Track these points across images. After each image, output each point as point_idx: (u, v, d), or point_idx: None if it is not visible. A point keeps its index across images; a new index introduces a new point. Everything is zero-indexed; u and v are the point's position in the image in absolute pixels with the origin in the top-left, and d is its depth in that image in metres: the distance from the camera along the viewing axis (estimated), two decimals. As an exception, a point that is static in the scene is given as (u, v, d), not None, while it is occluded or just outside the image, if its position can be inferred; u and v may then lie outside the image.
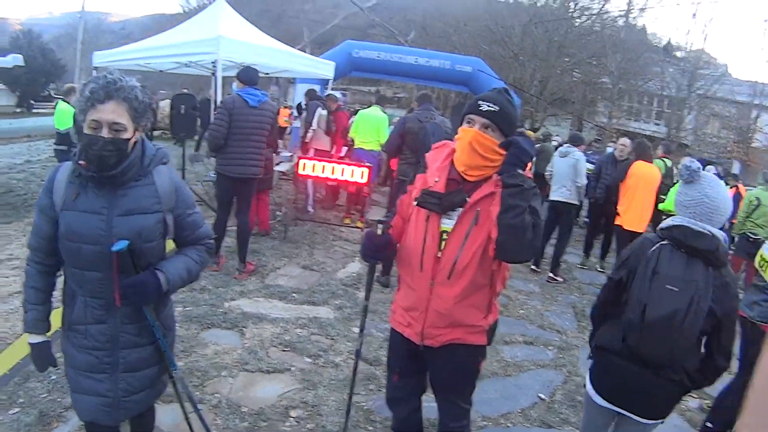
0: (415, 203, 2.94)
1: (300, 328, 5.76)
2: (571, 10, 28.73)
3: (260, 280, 7.05)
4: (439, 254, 2.86)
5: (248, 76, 7.04)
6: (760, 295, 4.38)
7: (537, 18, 26.68)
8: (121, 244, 2.42)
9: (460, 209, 2.81)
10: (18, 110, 44.13)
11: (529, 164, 2.82)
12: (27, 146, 21.15)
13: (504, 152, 2.73)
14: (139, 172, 2.55)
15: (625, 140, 10.06)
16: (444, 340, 2.93)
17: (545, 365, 5.74)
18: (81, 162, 2.42)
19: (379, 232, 2.99)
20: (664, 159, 11.10)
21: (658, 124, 31.91)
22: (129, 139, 2.44)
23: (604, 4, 29.93)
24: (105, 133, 2.37)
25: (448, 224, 2.85)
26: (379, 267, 7.01)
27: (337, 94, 12.95)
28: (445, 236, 2.85)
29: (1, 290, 6.24)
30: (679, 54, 32.04)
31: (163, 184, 2.62)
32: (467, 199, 2.80)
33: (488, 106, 2.76)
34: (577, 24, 29.39)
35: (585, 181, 8.74)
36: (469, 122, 2.80)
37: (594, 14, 29.67)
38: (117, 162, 2.43)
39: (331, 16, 44.67)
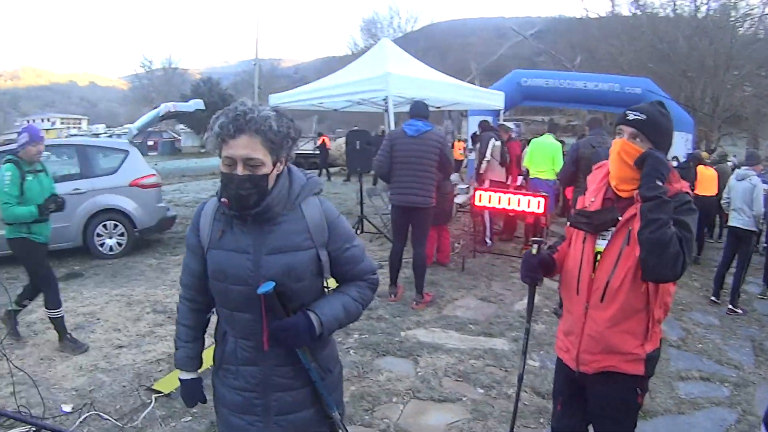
0: (568, 224, 2.98)
1: (475, 359, 5.85)
2: (732, 18, 27.13)
3: (437, 310, 7.25)
4: (593, 276, 2.81)
5: (415, 109, 7.39)
6: None
7: (700, 30, 25.61)
8: (267, 286, 2.24)
9: (613, 228, 2.75)
10: (203, 150, 47.44)
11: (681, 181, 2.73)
12: (212, 182, 23.04)
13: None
14: (286, 206, 2.36)
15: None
16: (598, 367, 2.83)
17: (720, 403, 5.51)
18: (223, 200, 2.30)
19: (534, 251, 3.03)
20: None
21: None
22: (268, 175, 2.25)
23: (764, 8, 28.06)
24: (240, 170, 2.21)
25: (601, 244, 2.80)
26: (557, 299, 7.05)
27: (510, 124, 13.03)
28: (599, 257, 2.80)
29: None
30: None
31: (314, 218, 2.41)
32: (619, 217, 2.74)
33: (635, 115, 2.72)
34: (740, 32, 27.75)
35: (761, 209, 8.36)
36: (618, 133, 2.76)
37: (755, 18, 27.90)
38: (258, 199, 2.26)
39: (496, 47, 44.59)
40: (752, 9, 27.85)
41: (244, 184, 2.21)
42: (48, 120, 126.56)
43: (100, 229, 10.23)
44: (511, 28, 41.30)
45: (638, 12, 31.17)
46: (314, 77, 18.61)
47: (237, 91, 60.69)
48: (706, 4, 27.89)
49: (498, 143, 10.27)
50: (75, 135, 73.50)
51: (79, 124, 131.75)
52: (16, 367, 5.05)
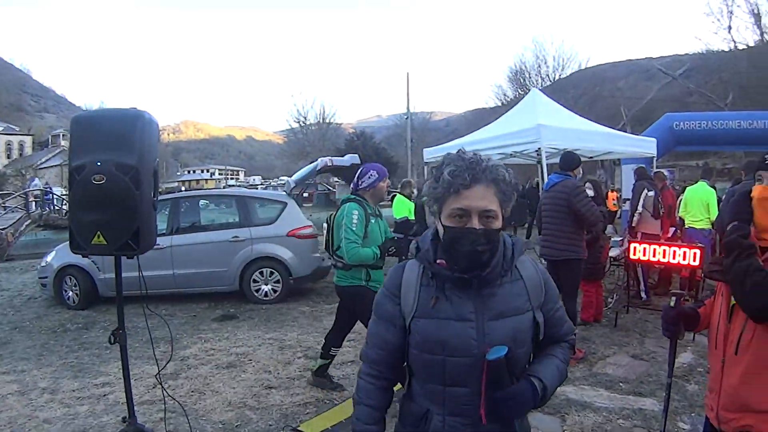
0: (702, 275, 2.86)
1: (623, 419, 5.66)
2: None
3: (588, 367, 7.07)
4: (729, 327, 2.64)
5: (561, 161, 7.50)
6: None
7: None
8: (498, 352, 2.05)
9: None
10: (357, 202, 48.95)
11: None
12: None
13: None
14: (504, 265, 2.18)
15: None
16: (736, 426, 2.60)
17: None
18: (440, 261, 2.14)
19: (671, 304, 2.93)
20: None
21: None
22: (500, 230, 2.13)
23: None
24: (476, 223, 2.04)
25: None
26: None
27: (665, 172, 12.64)
28: (734, 308, 2.60)
29: (337, 358, 6.97)
30: None
31: (531, 278, 2.26)
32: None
33: None
34: None
35: None
36: (758, 179, 2.62)
37: None
38: (490, 258, 2.10)
39: (646, 90, 43.51)
40: None
41: (480, 240, 2.06)
42: (207, 171, 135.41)
43: (256, 275, 10.84)
44: (659, 69, 40.10)
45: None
46: (465, 129, 18.90)
47: (390, 145, 62.33)
48: None
49: (651, 194, 9.92)
50: (233, 185, 77.51)
51: (237, 175, 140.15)
52: (169, 396, 5.36)
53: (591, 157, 13.10)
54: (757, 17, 33.37)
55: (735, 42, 34.92)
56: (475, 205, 2.04)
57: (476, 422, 2.15)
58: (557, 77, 55.60)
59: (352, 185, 5.87)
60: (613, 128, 16.11)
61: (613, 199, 20.68)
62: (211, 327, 9.14)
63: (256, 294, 10.82)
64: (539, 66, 56.47)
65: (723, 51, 36.37)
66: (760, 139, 18.17)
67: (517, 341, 2.15)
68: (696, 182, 11.55)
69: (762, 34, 33.18)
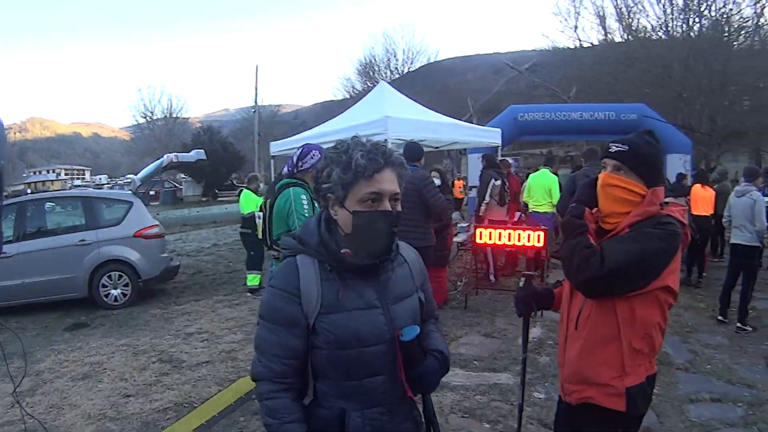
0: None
1: (480, 395, 5.84)
2: (726, 34, 27.18)
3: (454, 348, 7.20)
4: (571, 303, 2.82)
5: (405, 152, 7.60)
6: None
7: (693, 50, 25.63)
8: (411, 332, 2.09)
9: None
10: (204, 199, 47.90)
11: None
12: (214, 231, 23.48)
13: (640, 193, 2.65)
14: (395, 251, 2.24)
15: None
16: (577, 398, 2.76)
17: (734, 424, 5.40)
18: (345, 251, 2.12)
19: (521, 284, 3.06)
20: None
21: None
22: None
23: (758, 20, 28.09)
24: (388, 206, 2.08)
25: None
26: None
27: (510, 160, 13.06)
28: None
29: (192, 360, 7.07)
30: None
31: (413, 261, 2.36)
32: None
33: (617, 147, 2.69)
34: (735, 47, 27.79)
35: (764, 224, 8.23)
36: (603, 167, 2.74)
37: (750, 30, 27.89)
38: (393, 241, 2.17)
39: (492, 83, 44.92)
40: (746, 21, 27.97)
41: (395, 221, 2.11)
42: (53, 171, 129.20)
43: (105, 279, 10.41)
44: (506, 64, 41.59)
45: (630, 38, 31.37)
46: (314, 122, 18.83)
47: (237, 139, 61.29)
48: (698, 23, 28.02)
49: (498, 183, 10.25)
50: (79, 186, 74.12)
51: (83, 174, 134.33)
52: (28, 414, 5.16)
53: (437, 147, 13.40)
54: (602, 18, 35.30)
55: (580, 40, 36.74)
56: (387, 188, 2.07)
57: (393, 408, 2.19)
58: (406, 70, 56.54)
59: (287, 167, 5.41)
60: (460, 120, 16.53)
61: (460, 187, 21.33)
62: (64, 337, 8.70)
63: (105, 299, 10.41)
64: (389, 59, 57.27)
65: (569, 48, 38.03)
66: (600, 128, 19.56)
67: (415, 321, 2.21)
68: (538, 169, 12.10)
69: (606, 34, 35.06)
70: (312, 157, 5.20)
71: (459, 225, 10.92)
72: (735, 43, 27.95)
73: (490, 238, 8.36)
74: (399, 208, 2.13)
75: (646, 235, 2.52)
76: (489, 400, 5.72)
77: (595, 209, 2.78)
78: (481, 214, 10.46)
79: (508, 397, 5.78)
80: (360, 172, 2.04)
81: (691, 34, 28.03)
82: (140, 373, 6.91)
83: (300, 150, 5.35)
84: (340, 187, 2.08)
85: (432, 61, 59.10)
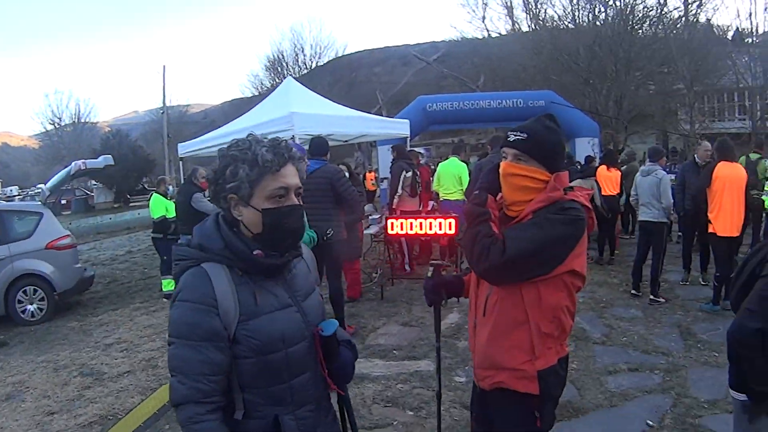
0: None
1: (402, 383, 5.84)
2: (630, 23, 28.14)
3: (360, 341, 7.16)
4: (477, 291, 2.80)
5: (311, 148, 7.53)
6: None
7: (599, 38, 26.38)
8: (331, 326, 2.13)
9: None
10: (116, 205, 46.69)
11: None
12: (127, 237, 22.98)
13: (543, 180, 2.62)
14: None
15: (707, 144, 9.79)
16: (490, 383, 2.73)
17: (652, 390, 5.55)
18: (257, 252, 2.04)
19: (429, 274, 3.03)
20: (750, 154, 10.84)
21: (743, 120, 30.43)
22: None
23: (662, 9, 29.26)
24: (294, 201, 2.07)
25: None
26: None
27: (422, 150, 13.08)
28: None
29: (112, 371, 6.89)
30: (749, 41, 30.52)
31: (309, 258, 2.36)
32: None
33: (516, 136, 2.64)
34: (640, 34, 28.81)
35: (670, 201, 8.49)
36: (504, 156, 2.70)
37: (654, 18, 29.00)
38: (302, 236, 2.18)
39: (402, 75, 45.11)
40: (650, 11, 29.12)
41: (303, 215, 2.12)
42: None
43: (20, 295, 9.98)
44: (415, 55, 41.81)
45: (537, 27, 32.00)
46: (223, 121, 18.44)
47: (147, 142, 59.73)
48: (604, 12, 28.79)
49: (409, 174, 10.20)
50: (-11, 198, 71.30)
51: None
52: None
53: (346, 141, 13.32)
54: (510, 9, 36.03)
55: (488, 31, 37.29)
56: (292, 182, 2.05)
57: (319, 403, 2.21)
58: (315, 65, 56.15)
59: None
60: (369, 112, 16.52)
61: (372, 179, 21.29)
62: (-16, 358, 8.31)
63: (22, 315, 9.94)
64: (297, 54, 56.79)
65: (477, 38, 38.54)
66: (509, 116, 19.73)
67: (324, 314, 2.26)
68: (447, 158, 12.11)
69: (514, 24, 35.68)
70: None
71: (371, 217, 10.84)
72: (640, 31, 29.00)
73: (401, 229, 8.37)
74: (300, 202, 2.10)
75: (548, 222, 2.50)
76: (411, 388, 5.73)
77: (500, 195, 2.75)
78: (393, 206, 10.42)
79: (429, 383, 5.77)
80: (267, 167, 1.99)
81: (597, 23, 28.78)
82: (62, 389, 6.68)
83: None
84: (247, 184, 2.00)
85: (340, 55, 58.92)
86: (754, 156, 11.29)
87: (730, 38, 32.43)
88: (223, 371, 1.97)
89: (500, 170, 2.68)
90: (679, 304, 8.38)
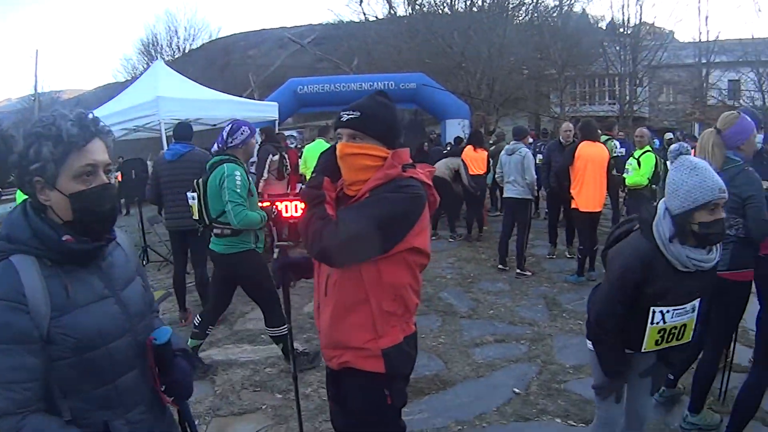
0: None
1: (270, 367, 5.77)
2: (507, 10, 28.92)
3: (228, 327, 7.03)
4: (320, 270, 2.77)
5: (176, 132, 7.27)
6: None
7: (475, 23, 26.88)
8: (164, 334, 1.95)
9: None
10: (-26, 200, 44.19)
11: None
12: None
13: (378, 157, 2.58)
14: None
15: (567, 124, 10.16)
16: (337, 363, 2.71)
17: (518, 359, 5.70)
18: (67, 237, 1.83)
19: (276, 256, 2.99)
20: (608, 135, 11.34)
21: (612, 104, 32.07)
22: None
23: None
24: (104, 179, 1.88)
25: None
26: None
27: (293, 133, 12.93)
28: None
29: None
30: (622, 30, 32.16)
31: (125, 244, 2.14)
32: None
33: (348, 115, 2.59)
34: (516, 21, 29.68)
35: (534, 177, 8.75)
36: (339, 137, 2.65)
37: (530, 6, 30.04)
38: (116, 218, 1.98)
39: (277, 58, 44.32)
40: None
41: (115, 195, 1.94)
42: None
43: None
44: (289, 38, 41.25)
45: (414, 12, 32.25)
46: (96, 106, 17.66)
47: (19, 131, 56.98)
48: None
49: (276, 158, 9.98)
50: None
51: None
52: None
53: (215, 125, 13.02)
54: (389, -7, 35.89)
55: (365, 14, 37.23)
56: (101, 159, 1.85)
57: (152, 404, 2.04)
58: (188, 48, 54.63)
59: (218, 143, 5.45)
60: (241, 96, 16.24)
61: (245, 163, 20.90)
62: None
63: None
64: (171, 38, 55.08)
65: (354, 22, 38.41)
66: None
67: (146, 305, 2.08)
68: (314, 140, 12.07)
69: (391, 8, 35.61)
70: (242, 133, 5.33)
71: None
72: (517, 18, 29.84)
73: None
74: (112, 181, 1.91)
75: (384, 200, 2.45)
76: (279, 371, 5.68)
77: (341, 179, 2.70)
78: (260, 190, 10.14)
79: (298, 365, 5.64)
80: (73, 142, 1.78)
81: (474, 9, 29.21)
82: None
83: (229, 126, 5.41)
84: (52, 164, 1.78)
85: (214, 38, 57.53)
86: (603, 137, 11.84)
87: (604, 27, 34.05)
88: (38, 376, 1.74)
89: (337, 152, 2.62)
90: (546, 277, 8.66)
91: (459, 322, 6.79)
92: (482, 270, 9.18)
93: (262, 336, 6.57)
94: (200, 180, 5.40)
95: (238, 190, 5.10)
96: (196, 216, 5.60)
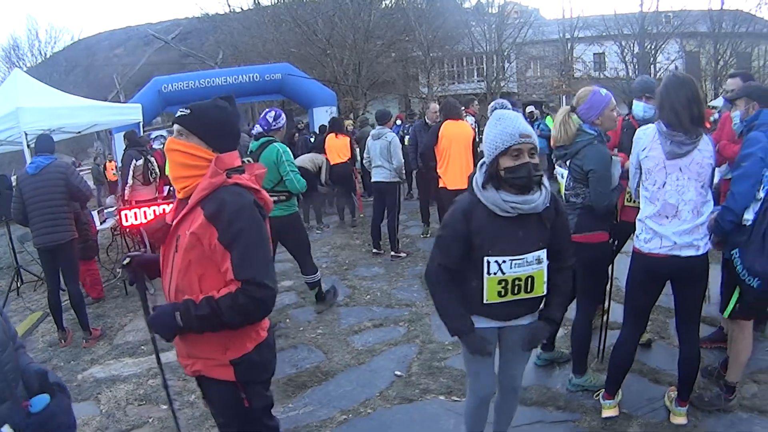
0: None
1: (153, 378, 5.66)
2: None
3: (108, 342, 6.84)
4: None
5: (37, 145, 6.98)
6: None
7: (339, 9, 26.88)
8: (41, 402, 1.94)
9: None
10: None
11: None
12: None
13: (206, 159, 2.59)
14: None
15: (434, 105, 10.30)
16: (191, 371, 2.74)
17: (398, 342, 5.79)
18: None
19: (125, 262, 2.93)
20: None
21: (480, 80, 32.89)
22: None
23: None
24: None
25: None
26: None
27: (163, 132, 12.60)
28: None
29: None
30: (491, 10, 33.02)
31: None
32: (171, 224, 2.68)
33: (182, 111, 2.61)
34: (382, 6, 29.91)
35: (401, 160, 8.87)
36: (171, 132, 2.65)
37: None
38: None
39: (143, 55, 42.88)
40: None
41: None
42: None
43: None
44: (153, 35, 40.05)
45: (278, 1, 31.87)
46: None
47: None
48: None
49: (140, 162, 9.67)
50: None
51: None
52: None
53: (79, 132, 12.55)
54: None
55: (230, 6, 36.47)
56: None
57: None
58: (50, 52, 52.26)
59: (262, 127, 6.46)
60: (107, 98, 15.72)
61: (113, 169, 20.37)
62: None
63: None
64: (32, 42, 52.51)
65: (219, 14, 37.62)
66: (246, 91, 20.07)
67: (9, 336, 2.00)
68: None
69: None
70: (282, 118, 6.51)
71: (106, 210, 10.26)
72: (384, 2, 30.22)
73: (136, 219, 8.14)
74: None
75: (241, 232, 2.47)
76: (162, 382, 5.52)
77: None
78: (126, 197, 9.87)
79: (179, 372, 5.52)
80: None
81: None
82: None
83: (273, 112, 6.55)
84: None
85: (76, 39, 55.11)
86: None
87: (470, 7, 34.93)
88: None
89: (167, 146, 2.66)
90: (421, 256, 8.79)
91: (337, 310, 6.85)
92: (357, 256, 9.28)
93: (143, 347, 6.47)
94: (249, 158, 6.15)
95: (294, 162, 6.31)
96: None
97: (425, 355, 5.44)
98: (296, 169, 6.29)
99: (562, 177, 4.37)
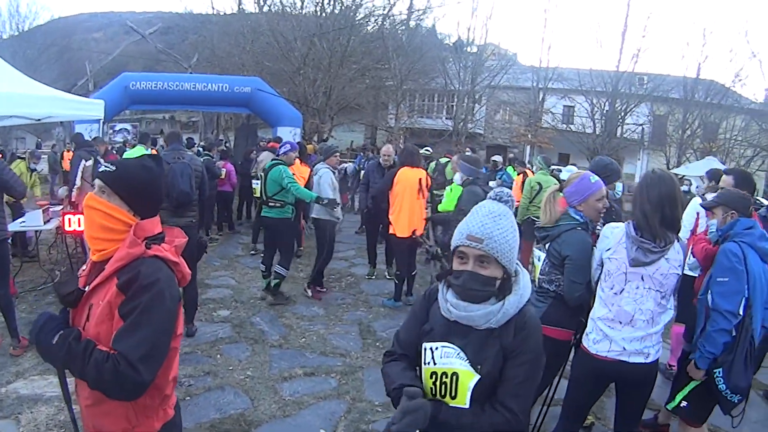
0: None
1: (75, 404, 5.30)
2: (355, 20, 29.16)
3: (36, 355, 6.22)
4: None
5: None
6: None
7: (320, 30, 26.82)
8: None
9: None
10: None
11: None
12: None
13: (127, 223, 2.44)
14: None
15: (388, 148, 10.29)
16: None
17: (327, 396, 5.62)
18: None
19: (58, 279, 2.76)
20: (440, 159, 11.69)
21: (449, 119, 33.17)
22: None
23: (390, 8, 30.98)
24: None
25: None
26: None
27: (127, 126, 12.36)
28: None
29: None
30: (468, 49, 33.35)
31: None
32: (84, 290, 2.44)
33: (105, 167, 2.48)
34: (364, 32, 30.03)
35: (329, 197, 8.52)
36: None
37: (378, 17, 30.54)
38: None
39: (121, 43, 42.09)
40: (375, 9, 30.95)
41: None
42: None
43: None
44: (130, 26, 39.46)
45: (261, 10, 31.75)
46: None
47: None
48: (331, 6, 29.25)
49: (89, 163, 9.36)
50: None
51: None
52: None
53: (39, 120, 12.25)
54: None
55: (214, 7, 36.22)
56: None
57: None
58: (28, 26, 51.20)
59: (276, 152, 8.85)
60: (76, 83, 15.38)
61: (70, 159, 20.06)
62: None
63: None
64: (12, 14, 51.38)
65: (201, 14, 37.36)
66: (214, 100, 20.14)
67: None
68: (135, 146, 12.10)
69: (240, 3, 34.50)
70: (284, 147, 8.69)
71: (51, 210, 9.91)
72: (368, 27, 30.76)
73: (79, 225, 7.92)
74: None
75: (148, 313, 2.29)
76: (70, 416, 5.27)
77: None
78: (74, 199, 9.54)
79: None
80: None
81: (324, 14, 29.09)
82: None
83: (282, 144, 9.16)
84: None
85: (57, 17, 53.88)
86: (443, 160, 12.70)
87: (451, 44, 35.40)
88: None
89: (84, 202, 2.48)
90: (363, 300, 8.71)
91: (269, 351, 6.64)
92: (298, 290, 9.00)
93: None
94: (263, 173, 8.46)
95: (292, 179, 8.06)
96: (257, 195, 10.19)
97: (353, 414, 5.29)
98: (296, 183, 8.10)
99: (539, 260, 4.28)
